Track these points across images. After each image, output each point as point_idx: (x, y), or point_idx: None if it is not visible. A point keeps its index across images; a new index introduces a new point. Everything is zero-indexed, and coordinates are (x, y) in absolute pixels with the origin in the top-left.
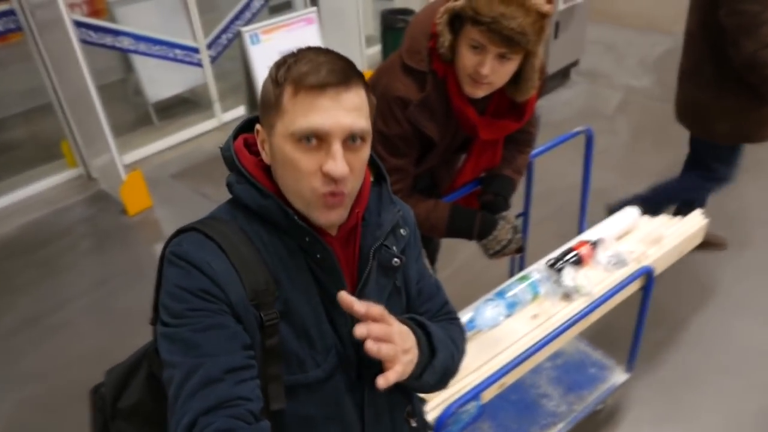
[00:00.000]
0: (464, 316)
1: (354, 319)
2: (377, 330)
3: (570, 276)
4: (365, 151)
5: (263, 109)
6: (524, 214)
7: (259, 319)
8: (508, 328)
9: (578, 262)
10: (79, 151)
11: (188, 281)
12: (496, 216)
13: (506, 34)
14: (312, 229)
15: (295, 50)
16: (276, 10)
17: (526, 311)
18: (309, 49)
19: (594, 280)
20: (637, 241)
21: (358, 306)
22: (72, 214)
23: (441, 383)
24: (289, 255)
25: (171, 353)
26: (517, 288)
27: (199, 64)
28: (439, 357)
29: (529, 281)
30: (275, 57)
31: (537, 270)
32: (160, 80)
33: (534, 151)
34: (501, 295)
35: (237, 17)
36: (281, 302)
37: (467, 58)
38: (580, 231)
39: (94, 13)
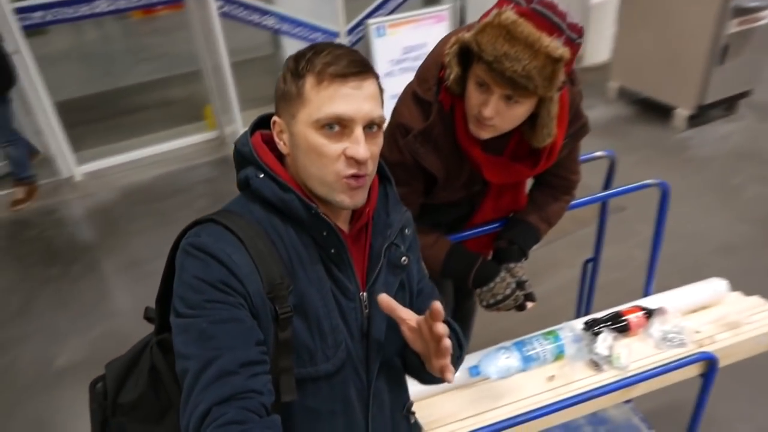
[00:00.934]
0: (472, 361)
1: (365, 315)
2: (444, 328)
3: (606, 343)
4: (380, 138)
5: (283, 100)
6: (593, 260)
7: (274, 312)
8: (518, 383)
9: (624, 329)
10: (218, 116)
11: (207, 272)
12: (503, 266)
13: (509, 75)
14: (331, 222)
15: (313, 45)
16: (431, 2)
17: (544, 370)
18: (325, 43)
19: (637, 355)
20: (709, 320)
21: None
22: (198, 173)
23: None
24: (304, 249)
25: (186, 344)
26: (539, 344)
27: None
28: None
29: (556, 341)
30: (398, 51)
31: (569, 328)
32: None
33: (603, 194)
34: (519, 346)
35: (380, 6)
36: (295, 296)
37: (473, 96)
38: (645, 294)
39: None
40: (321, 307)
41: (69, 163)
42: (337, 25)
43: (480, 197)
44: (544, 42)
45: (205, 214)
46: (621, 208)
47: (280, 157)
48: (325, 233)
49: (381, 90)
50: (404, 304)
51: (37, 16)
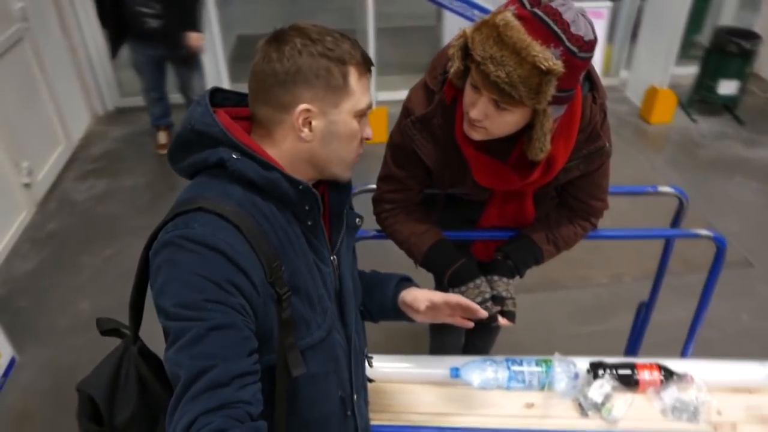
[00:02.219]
0: (459, 363)
1: (338, 277)
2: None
3: (602, 390)
4: None
5: (324, 87)
6: (647, 305)
7: (276, 294)
8: (495, 399)
9: (632, 383)
10: None
11: (210, 268)
12: (487, 276)
13: (492, 80)
14: (318, 194)
15: (305, 28)
16: None
17: (526, 395)
18: (319, 28)
19: (635, 414)
20: (743, 406)
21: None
22: None
23: None
24: (288, 225)
25: (178, 350)
26: (528, 367)
27: None
28: None
29: (547, 370)
30: None
31: (569, 362)
32: None
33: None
34: (508, 363)
35: None
36: (288, 273)
37: (467, 95)
38: (682, 355)
39: None
40: (309, 279)
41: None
42: (496, 5)
43: (487, 198)
44: (532, 51)
45: (183, 206)
46: (747, 264)
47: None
48: (307, 207)
49: None
50: (355, 260)
51: None
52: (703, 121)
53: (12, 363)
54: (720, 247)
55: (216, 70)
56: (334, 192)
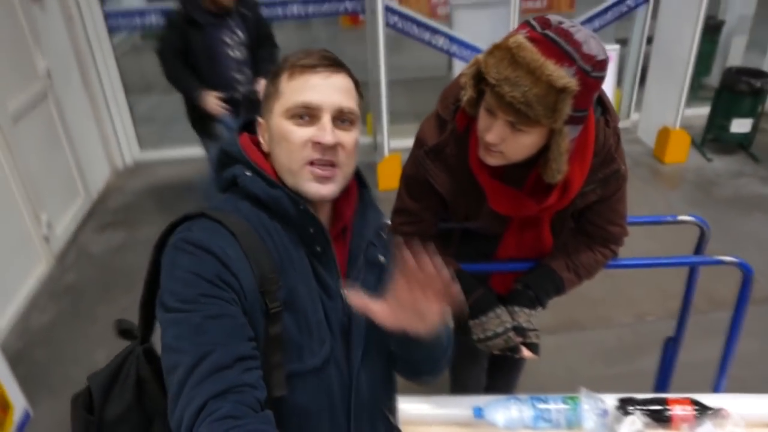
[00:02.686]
0: (481, 403)
1: (347, 313)
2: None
3: (633, 427)
4: (354, 133)
5: (264, 102)
6: (673, 340)
7: (265, 307)
8: None
9: (664, 420)
10: (375, 125)
11: (202, 267)
12: (507, 306)
13: (508, 101)
14: (318, 218)
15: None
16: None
17: None
18: (308, 51)
19: None
20: None
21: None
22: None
23: (446, 352)
24: (292, 246)
25: (178, 339)
26: (554, 405)
27: None
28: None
29: (575, 407)
30: None
31: (597, 399)
32: None
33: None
34: (534, 402)
35: None
36: (285, 291)
37: (481, 120)
38: (714, 390)
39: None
40: (308, 302)
41: None
42: None
43: (503, 230)
44: (546, 70)
45: (191, 211)
46: None
47: (268, 157)
48: (311, 230)
49: (357, 91)
50: None
51: None
52: (718, 159)
53: (27, 417)
54: (747, 274)
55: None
56: (357, 225)
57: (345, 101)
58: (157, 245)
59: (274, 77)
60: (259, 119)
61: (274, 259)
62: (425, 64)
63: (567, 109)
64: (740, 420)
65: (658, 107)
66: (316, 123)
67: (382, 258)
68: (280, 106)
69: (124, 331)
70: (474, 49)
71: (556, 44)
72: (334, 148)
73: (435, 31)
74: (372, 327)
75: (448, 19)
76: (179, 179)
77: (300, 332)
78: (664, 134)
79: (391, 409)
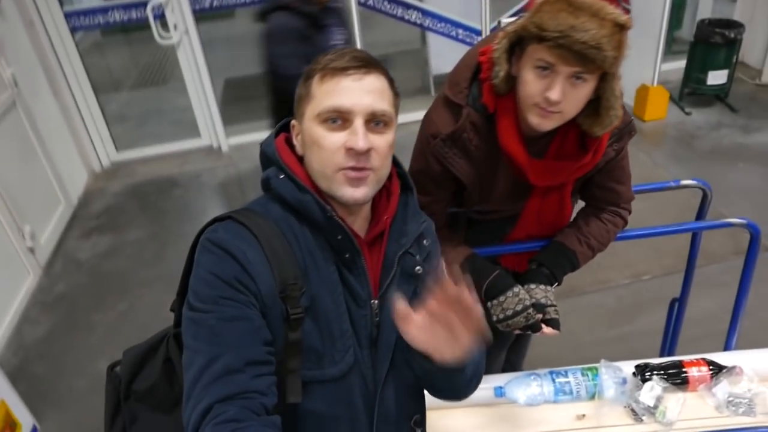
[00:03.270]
0: (500, 382)
1: (375, 323)
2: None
3: (653, 392)
4: (389, 135)
5: (297, 104)
6: (679, 301)
7: (285, 312)
8: (544, 414)
9: (681, 382)
10: None
11: (222, 268)
12: (523, 285)
13: (578, 49)
14: (346, 227)
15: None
16: None
17: (576, 406)
18: (342, 51)
19: (690, 413)
20: None
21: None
22: None
23: (470, 384)
24: (319, 251)
25: (195, 338)
26: (574, 378)
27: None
28: (477, 356)
29: (594, 379)
30: None
31: (615, 368)
32: (445, 55)
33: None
34: (553, 376)
35: (525, 8)
36: (308, 297)
37: (533, 85)
38: (725, 348)
39: None
40: (332, 310)
41: (219, 135)
42: (481, 23)
43: (522, 208)
44: (608, 9)
45: (222, 214)
46: (764, 249)
47: (302, 160)
48: (339, 237)
49: (392, 88)
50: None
51: (206, 1)
52: (697, 113)
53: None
54: (754, 233)
55: (209, 116)
56: (395, 231)
57: (378, 103)
58: (193, 243)
59: (306, 80)
60: (293, 121)
61: (298, 265)
62: (398, 39)
63: (627, 46)
64: (754, 375)
65: (635, 65)
66: (349, 127)
67: (419, 269)
68: (311, 110)
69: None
70: (448, 21)
71: None
72: (367, 153)
73: (408, 6)
74: (402, 338)
75: None
76: (160, 176)
77: (322, 340)
78: (642, 92)
79: (418, 421)
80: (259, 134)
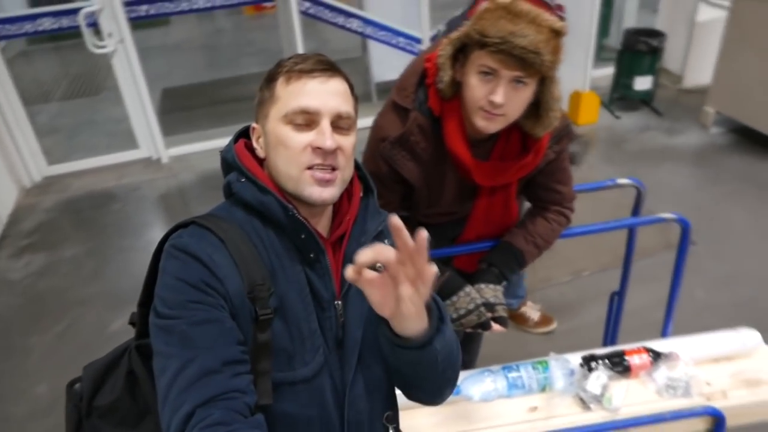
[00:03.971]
0: None
1: (340, 323)
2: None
3: (599, 381)
4: (353, 137)
5: (258, 107)
6: (618, 294)
7: (254, 313)
8: (497, 409)
9: (624, 370)
10: None
11: (188, 273)
12: (474, 285)
13: (517, 53)
14: (309, 226)
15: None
16: None
17: (527, 399)
18: (304, 55)
19: (633, 399)
20: (728, 374)
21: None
22: None
23: (444, 375)
24: (285, 252)
25: (167, 344)
26: (525, 372)
27: (417, 54)
28: (447, 329)
29: (544, 372)
30: None
31: (563, 360)
32: (386, 63)
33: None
34: (505, 371)
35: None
36: (276, 298)
37: (477, 89)
38: (662, 335)
39: None
40: (301, 310)
41: (158, 146)
42: (421, 31)
43: (470, 210)
44: (544, 16)
45: (185, 220)
46: (692, 243)
47: (263, 163)
48: (303, 236)
49: (352, 93)
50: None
51: (142, 9)
52: (626, 116)
53: None
54: (684, 227)
55: (147, 126)
56: (355, 232)
57: (343, 105)
58: (155, 252)
59: (268, 82)
60: (253, 125)
61: (264, 266)
62: (337, 47)
63: (562, 51)
64: (690, 360)
65: (567, 72)
66: (315, 128)
67: (380, 266)
68: (277, 111)
69: (134, 324)
70: (389, 30)
71: None
72: (334, 152)
73: (349, 15)
74: (368, 336)
75: (358, 2)
76: (95, 190)
77: (291, 340)
78: (576, 98)
79: (391, 418)
80: (199, 144)
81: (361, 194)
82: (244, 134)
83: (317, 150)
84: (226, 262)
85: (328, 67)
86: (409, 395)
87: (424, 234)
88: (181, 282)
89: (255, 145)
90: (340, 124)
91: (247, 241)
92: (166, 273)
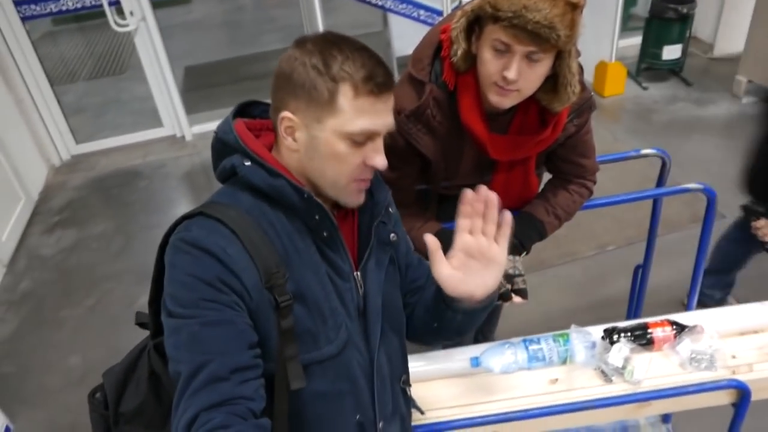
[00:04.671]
0: (476, 352)
1: (361, 294)
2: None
3: (621, 354)
4: None
5: (307, 99)
6: (642, 267)
7: (274, 301)
8: (518, 380)
9: (647, 343)
10: None
11: (201, 269)
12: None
13: (531, 28)
14: (324, 205)
15: (328, 37)
16: None
17: (548, 371)
18: (345, 40)
19: (656, 372)
20: (755, 346)
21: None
22: None
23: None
24: (297, 234)
25: (177, 347)
26: (546, 344)
27: None
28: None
29: (566, 344)
30: None
31: (584, 333)
32: (407, 37)
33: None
34: (526, 344)
35: None
36: (293, 283)
37: (490, 64)
38: (688, 308)
39: None
40: (319, 290)
41: (182, 123)
42: (442, 3)
43: (489, 183)
44: None
45: (191, 211)
46: (720, 216)
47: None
48: (317, 217)
49: None
50: (396, 280)
51: None
52: (654, 87)
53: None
54: (710, 197)
55: (171, 104)
56: (365, 205)
57: (392, 120)
58: (160, 245)
59: (327, 78)
60: (288, 115)
61: (278, 252)
62: (359, 21)
63: (580, 25)
64: (714, 333)
65: (593, 43)
66: (369, 144)
67: (393, 236)
68: (337, 125)
69: (142, 324)
70: (409, 2)
71: None
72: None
73: None
74: (386, 303)
75: None
76: (121, 168)
77: (314, 321)
78: (601, 68)
79: (407, 380)
80: None
81: None
82: (240, 112)
83: (369, 167)
84: (241, 254)
85: (392, 83)
86: (414, 339)
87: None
88: (194, 278)
89: (283, 134)
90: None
91: (257, 227)
92: (177, 268)
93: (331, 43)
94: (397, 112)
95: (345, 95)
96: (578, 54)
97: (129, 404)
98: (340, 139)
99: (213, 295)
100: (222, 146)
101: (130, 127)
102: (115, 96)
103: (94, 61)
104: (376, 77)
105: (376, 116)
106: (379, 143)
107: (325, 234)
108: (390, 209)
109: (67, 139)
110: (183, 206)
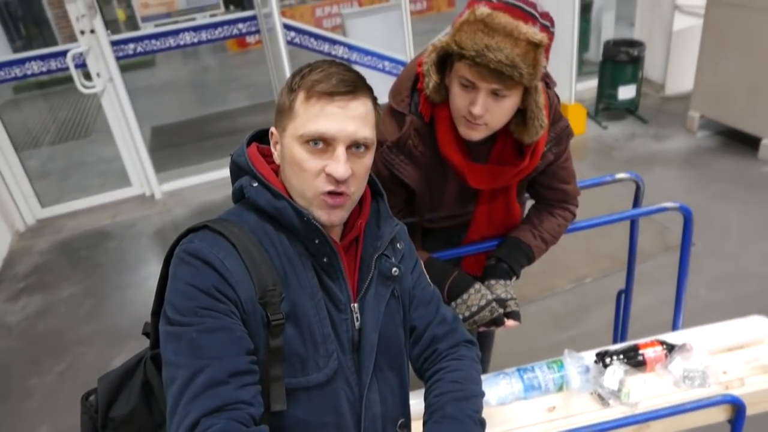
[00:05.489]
0: None
1: (356, 327)
2: None
3: (615, 376)
4: (368, 159)
5: (278, 113)
6: (625, 291)
7: (266, 319)
8: (516, 411)
9: (639, 364)
10: None
11: (199, 279)
12: (483, 282)
13: (494, 67)
14: (323, 230)
15: (311, 62)
16: None
17: (545, 399)
18: (324, 61)
19: (652, 392)
20: (744, 361)
21: None
22: None
23: None
24: (297, 257)
25: (176, 353)
26: (541, 372)
27: None
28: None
29: (560, 370)
30: None
31: (577, 358)
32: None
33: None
34: (521, 373)
35: None
36: (288, 303)
37: (459, 98)
38: (674, 327)
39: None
40: (313, 315)
41: (151, 182)
42: (406, 54)
43: (473, 212)
44: (522, 29)
45: (196, 224)
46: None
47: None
48: (317, 241)
49: (376, 109)
50: (397, 315)
51: (129, 48)
52: (612, 126)
53: None
54: (687, 215)
55: (140, 163)
56: (369, 236)
57: (360, 130)
58: (166, 258)
59: (290, 91)
60: (272, 130)
61: (276, 271)
62: None
63: (543, 62)
64: (703, 350)
65: None
66: (331, 153)
67: (395, 271)
68: (294, 129)
69: (148, 334)
70: (373, 54)
71: (517, 7)
72: (346, 180)
73: (333, 42)
74: (383, 341)
75: (341, 29)
76: (90, 229)
77: (304, 345)
78: (562, 110)
79: (405, 424)
80: (191, 178)
81: (371, 197)
82: (255, 137)
83: (330, 177)
84: (238, 268)
85: (350, 87)
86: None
87: None
88: (193, 288)
89: (272, 149)
90: (357, 148)
91: (258, 245)
92: (177, 278)
93: (310, 65)
94: (380, 144)
95: (299, 100)
96: (554, 84)
97: (119, 411)
98: (297, 144)
99: (210, 304)
100: (236, 168)
101: (97, 188)
102: (80, 159)
103: (58, 126)
104: (329, 80)
105: (328, 119)
106: (339, 152)
107: (325, 260)
108: (398, 245)
109: (32, 204)
110: (155, 264)
